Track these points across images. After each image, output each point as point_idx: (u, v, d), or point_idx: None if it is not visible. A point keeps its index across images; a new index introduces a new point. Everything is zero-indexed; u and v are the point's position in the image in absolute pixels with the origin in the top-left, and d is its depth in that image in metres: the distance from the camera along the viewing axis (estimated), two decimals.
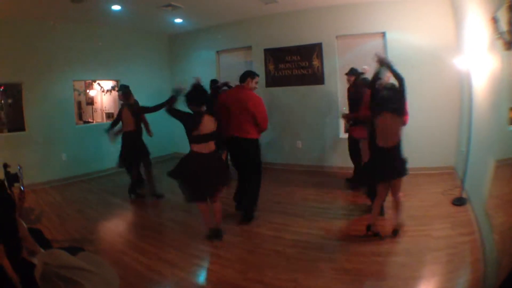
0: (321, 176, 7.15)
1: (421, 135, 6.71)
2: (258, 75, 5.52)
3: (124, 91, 6.62)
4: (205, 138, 4.38)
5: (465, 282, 3.37)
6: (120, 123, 6.65)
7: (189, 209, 5.95)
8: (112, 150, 8.67)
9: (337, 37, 7.97)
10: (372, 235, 4.43)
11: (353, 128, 6.11)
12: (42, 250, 2.71)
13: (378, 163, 4.33)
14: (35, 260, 2.41)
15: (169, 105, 4.56)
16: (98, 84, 10.81)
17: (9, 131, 7.48)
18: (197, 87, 4.49)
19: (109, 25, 8.76)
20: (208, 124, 4.39)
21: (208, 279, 3.89)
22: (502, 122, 3.37)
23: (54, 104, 7.97)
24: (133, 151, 6.61)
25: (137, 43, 9.79)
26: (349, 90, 6.54)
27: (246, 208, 5.32)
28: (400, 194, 4.36)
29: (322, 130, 7.11)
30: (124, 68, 9.32)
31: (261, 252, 4.28)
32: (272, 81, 8.79)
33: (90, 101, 11.38)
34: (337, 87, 7.85)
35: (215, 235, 4.62)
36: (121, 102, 6.65)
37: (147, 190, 6.93)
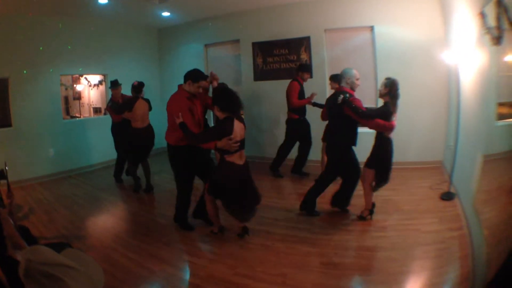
0: (309, 170, 7.14)
1: (409, 130, 6.73)
2: (204, 78, 4.65)
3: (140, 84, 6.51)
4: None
5: (454, 277, 3.39)
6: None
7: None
8: (99, 144, 8.66)
9: (325, 30, 7.96)
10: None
11: None
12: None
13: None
14: (19, 257, 2.39)
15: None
16: (85, 78, 10.72)
17: None
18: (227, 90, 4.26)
19: (96, 18, 8.66)
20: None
21: (197, 274, 3.87)
22: (489, 118, 3.39)
23: (41, 99, 7.89)
24: (151, 146, 6.69)
25: (124, 37, 9.71)
26: None
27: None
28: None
29: (311, 124, 7.11)
30: (112, 62, 9.24)
31: (251, 247, 4.27)
32: (261, 74, 8.78)
33: (77, 96, 11.28)
34: (325, 80, 7.80)
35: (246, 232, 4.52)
36: (137, 95, 6.42)
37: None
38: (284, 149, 7.26)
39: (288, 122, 7.03)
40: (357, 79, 4.72)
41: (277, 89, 8.42)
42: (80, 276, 2.53)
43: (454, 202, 5.11)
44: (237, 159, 4.12)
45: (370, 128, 4.62)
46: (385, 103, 4.47)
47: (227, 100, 4.06)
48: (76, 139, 8.62)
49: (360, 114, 4.42)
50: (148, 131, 6.58)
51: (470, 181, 4.03)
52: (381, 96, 4.54)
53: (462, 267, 3.45)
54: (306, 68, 6.79)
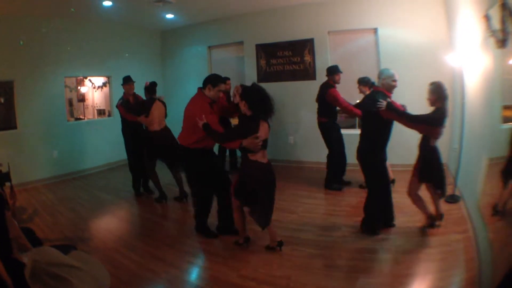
0: (313, 172, 7.14)
1: (414, 132, 6.70)
2: (223, 82, 4.64)
3: (153, 84, 6.31)
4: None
5: (459, 281, 3.38)
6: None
7: (182, 206, 5.96)
8: (103, 146, 8.67)
9: (329, 32, 7.98)
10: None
11: None
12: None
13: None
14: (25, 259, 2.39)
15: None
16: (90, 80, 10.74)
17: (1, 129, 7.39)
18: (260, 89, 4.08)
19: (101, 21, 8.71)
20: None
21: (201, 276, 3.89)
22: (494, 120, 3.38)
23: (46, 101, 7.92)
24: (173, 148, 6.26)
25: (128, 39, 9.76)
26: None
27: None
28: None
29: (314, 125, 7.10)
30: (116, 64, 9.26)
31: (254, 249, 4.28)
32: (264, 76, 8.80)
33: (82, 98, 11.28)
34: None
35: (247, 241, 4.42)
36: (154, 96, 6.26)
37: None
38: (331, 158, 6.67)
39: (319, 126, 6.71)
40: (394, 81, 4.47)
41: (281, 90, 8.42)
42: (86, 276, 2.54)
43: (459, 205, 5.10)
44: (261, 158, 3.98)
45: (417, 130, 4.50)
46: (436, 109, 4.28)
47: (259, 101, 3.96)
48: (80, 141, 8.65)
49: (408, 118, 4.29)
50: (167, 132, 6.32)
51: (475, 183, 4.02)
52: (432, 103, 4.35)
53: (468, 270, 3.44)
54: (333, 71, 6.42)
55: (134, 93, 6.68)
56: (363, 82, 6.04)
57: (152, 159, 6.30)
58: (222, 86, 4.51)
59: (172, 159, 6.26)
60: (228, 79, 7.19)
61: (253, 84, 4.13)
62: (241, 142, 3.85)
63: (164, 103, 6.40)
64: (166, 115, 6.48)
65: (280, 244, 4.19)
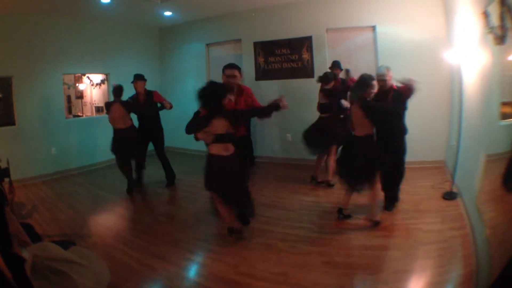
0: (311, 169, 7.12)
1: (412, 129, 6.70)
2: (231, 67, 4.94)
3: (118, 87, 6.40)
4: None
5: (456, 276, 3.38)
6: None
7: (179, 203, 5.96)
8: (101, 143, 8.67)
9: (327, 30, 7.95)
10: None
11: None
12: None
13: None
14: (25, 255, 2.39)
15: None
16: (88, 77, 10.73)
17: None
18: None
19: (99, 18, 8.68)
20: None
21: (199, 273, 3.89)
22: (493, 117, 3.39)
23: (44, 97, 7.92)
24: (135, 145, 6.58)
25: (126, 36, 9.74)
26: None
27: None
28: None
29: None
30: (114, 62, 9.27)
31: (252, 246, 4.27)
32: (262, 74, 8.78)
33: (80, 95, 11.27)
34: None
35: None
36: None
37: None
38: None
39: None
40: (375, 80, 4.69)
41: (279, 88, 8.42)
42: (87, 272, 2.54)
43: (457, 201, 5.10)
44: (222, 151, 4.08)
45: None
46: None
47: (204, 98, 4.08)
48: (78, 138, 8.66)
49: None
50: (132, 132, 6.54)
51: (472, 180, 4.02)
52: None
53: (465, 266, 3.45)
54: (333, 65, 6.66)
55: (145, 89, 6.73)
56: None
57: (114, 154, 6.67)
58: (227, 71, 4.83)
59: (133, 155, 6.62)
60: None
61: (208, 82, 4.25)
62: (197, 135, 4.15)
63: (125, 105, 6.39)
64: (137, 112, 6.76)
65: (231, 231, 4.46)
